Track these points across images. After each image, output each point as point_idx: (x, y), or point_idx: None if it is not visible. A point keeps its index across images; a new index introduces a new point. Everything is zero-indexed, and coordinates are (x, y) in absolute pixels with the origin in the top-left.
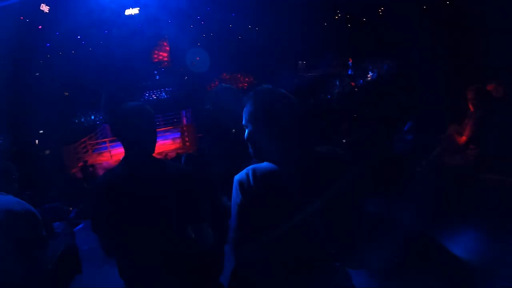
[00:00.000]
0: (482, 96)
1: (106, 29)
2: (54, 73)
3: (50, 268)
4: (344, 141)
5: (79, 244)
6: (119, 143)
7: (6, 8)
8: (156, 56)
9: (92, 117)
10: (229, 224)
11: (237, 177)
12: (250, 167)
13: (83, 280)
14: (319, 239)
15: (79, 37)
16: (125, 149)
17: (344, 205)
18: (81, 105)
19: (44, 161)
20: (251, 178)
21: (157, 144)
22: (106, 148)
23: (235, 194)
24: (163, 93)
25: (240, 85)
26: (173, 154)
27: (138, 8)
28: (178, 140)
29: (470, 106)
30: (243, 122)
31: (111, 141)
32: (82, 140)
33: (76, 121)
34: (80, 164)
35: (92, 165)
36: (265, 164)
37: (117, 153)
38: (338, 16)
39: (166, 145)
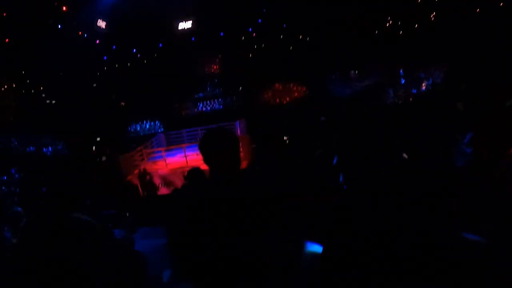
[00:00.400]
0: None
1: (160, 42)
2: (110, 84)
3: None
4: (405, 156)
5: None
6: (174, 152)
7: (66, 22)
8: (209, 67)
9: (147, 127)
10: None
11: None
12: None
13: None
14: None
15: (134, 50)
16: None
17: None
18: (136, 115)
19: (101, 168)
20: None
21: None
22: (161, 157)
23: None
24: (216, 104)
25: (295, 94)
26: None
27: (191, 22)
28: None
29: None
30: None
31: (166, 151)
32: (138, 148)
33: (132, 130)
34: (136, 171)
35: (149, 173)
36: None
37: (172, 162)
38: (389, 23)
39: None
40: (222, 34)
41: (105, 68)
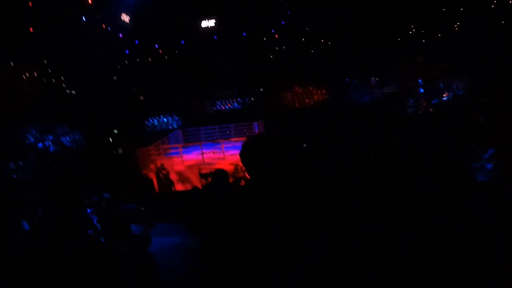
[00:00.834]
0: None
1: (182, 39)
2: (131, 78)
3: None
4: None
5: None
6: (190, 149)
7: (90, 15)
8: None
9: (165, 122)
10: None
11: None
12: None
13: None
14: None
15: (156, 46)
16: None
17: None
18: (155, 110)
19: (117, 160)
20: None
21: (227, 155)
22: (178, 153)
23: None
24: (235, 103)
25: (315, 98)
26: None
27: (214, 20)
28: None
29: None
30: None
31: (183, 147)
32: (155, 143)
33: (150, 124)
34: (152, 165)
35: (165, 169)
36: None
37: (188, 158)
38: (412, 31)
39: (236, 155)
40: (244, 34)
41: (126, 62)
